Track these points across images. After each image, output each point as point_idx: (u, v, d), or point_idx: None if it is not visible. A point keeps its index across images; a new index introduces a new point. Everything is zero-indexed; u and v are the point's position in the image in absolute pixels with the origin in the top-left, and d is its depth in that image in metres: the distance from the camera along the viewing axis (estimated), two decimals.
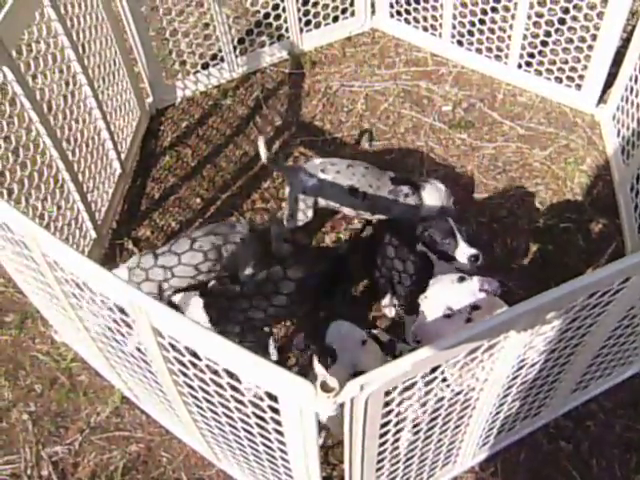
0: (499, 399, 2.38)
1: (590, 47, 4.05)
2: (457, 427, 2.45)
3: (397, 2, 4.72)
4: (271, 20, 4.61)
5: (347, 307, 3.35)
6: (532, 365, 2.26)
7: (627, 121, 3.84)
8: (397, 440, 2.17)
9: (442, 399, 2.10)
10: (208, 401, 2.16)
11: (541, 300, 1.85)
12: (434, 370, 1.89)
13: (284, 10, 4.55)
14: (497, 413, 2.51)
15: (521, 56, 4.35)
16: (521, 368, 2.23)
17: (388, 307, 3.39)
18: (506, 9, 4.25)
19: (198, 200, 3.97)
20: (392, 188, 3.44)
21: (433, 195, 3.45)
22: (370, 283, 3.52)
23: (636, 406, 3.09)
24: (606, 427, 3.04)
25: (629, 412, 3.07)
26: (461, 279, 2.63)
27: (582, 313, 2.08)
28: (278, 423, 1.93)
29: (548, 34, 4.24)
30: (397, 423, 2.02)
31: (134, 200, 3.99)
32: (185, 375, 2.08)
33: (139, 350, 2.19)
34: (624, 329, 2.48)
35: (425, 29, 4.69)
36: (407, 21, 4.75)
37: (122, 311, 1.99)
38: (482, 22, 4.40)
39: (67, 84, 3.40)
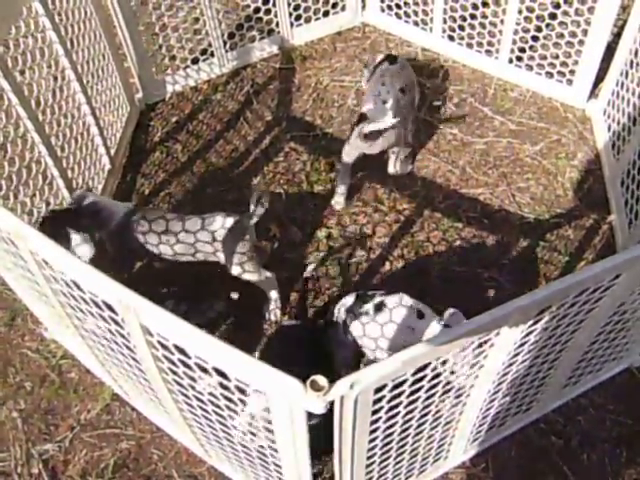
0: (490, 395, 2.38)
1: (581, 42, 4.05)
2: (448, 423, 2.46)
3: None
4: (261, 15, 4.59)
5: None
6: (522, 361, 2.26)
7: (618, 116, 3.84)
8: (387, 437, 2.17)
9: (433, 395, 2.10)
10: (198, 399, 2.15)
11: (532, 297, 1.85)
12: (424, 367, 1.89)
13: (274, 4, 4.53)
14: (488, 409, 2.51)
15: (512, 51, 4.34)
16: (512, 364, 2.23)
17: None
18: (497, 3, 4.25)
19: (188, 196, 3.95)
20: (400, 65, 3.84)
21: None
22: None
23: (626, 401, 3.10)
24: (596, 422, 3.05)
25: (619, 407, 3.08)
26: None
27: (572, 309, 2.09)
28: (267, 421, 1.92)
29: (539, 29, 4.23)
30: (387, 420, 2.02)
31: (124, 196, 3.97)
32: (175, 373, 2.07)
33: (129, 349, 2.18)
34: (614, 325, 2.49)
35: (416, 24, 4.68)
36: (398, 16, 4.74)
37: (110, 309, 1.97)
38: (473, 17, 4.39)
39: (55, 79, 3.37)
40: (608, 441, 3.00)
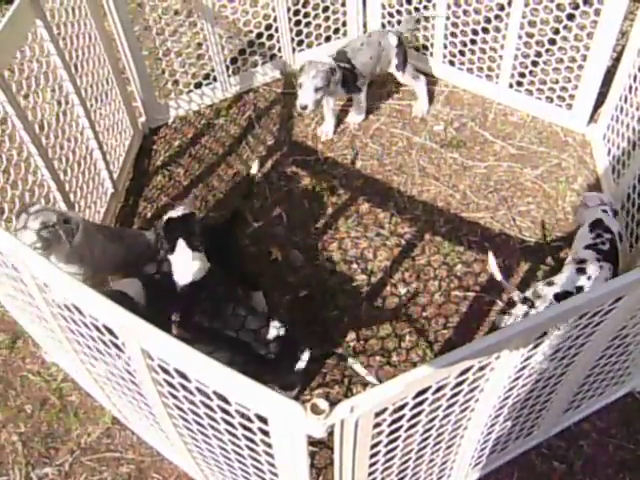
0: (491, 419, 2.37)
1: (580, 67, 4.09)
2: (449, 447, 2.44)
3: (389, 22, 4.76)
4: (264, 40, 4.64)
5: None
6: (523, 385, 2.26)
7: (617, 140, 3.86)
8: (388, 461, 2.16)
9: (434, 418, 2.09)
10: (198, 423, 2.14)
11: (533, 321, 1.85)
12: (425, 391, 1.89)
13: (277, 30, 4.58)
14: (489, 433, 2.50)
15: (512, 76, 4.38)
16: (512, 388, 2.23)
17: None
18: (497, 29, 4.29)
19: None
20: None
21: None
22: None
23: (629, 425, 3.08)
24: (599, 447, 3.03)
25: (622, 431, 3.07)
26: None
27: (573, 333, 2.09)
28: (268, 445, 1.91)
29: (539, 54, 4.27)
30: (388, 444, 2.01)
31: (126, 220, 3.98)
32: (175, 397, 2.07)
33: (128, 372, 2.18)
34: (615, 349, 2.48)
35: (416, 49, 4.72)
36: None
37: (111, 332, 1.98)
38: (473, 42, 4.44)
39: (59, 104, 3.40)
40: (611, 466, 2.98)
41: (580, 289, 3.08)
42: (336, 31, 4.83)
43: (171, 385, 1.99)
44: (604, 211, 3.44)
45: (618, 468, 2.97)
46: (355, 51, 4.21)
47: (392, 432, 1.96)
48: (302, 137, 4.42)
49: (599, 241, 3.33)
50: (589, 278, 3.12)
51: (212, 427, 2.08)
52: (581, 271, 3.17)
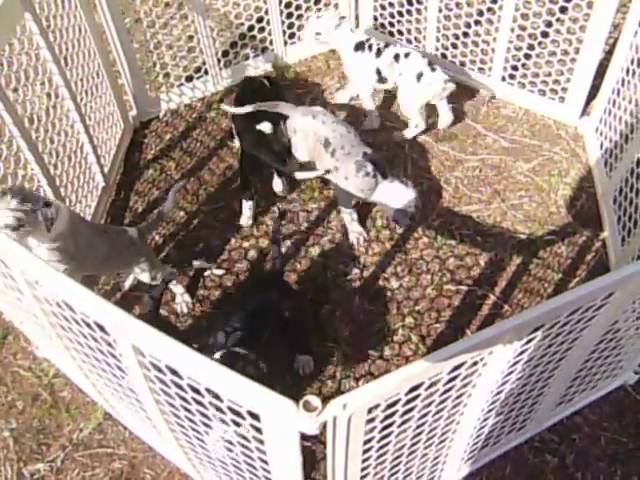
0: (483, 413, 2.37)
1: (573, 60, 4.08)
2: (442, 442, 2.44)
3: (381, 15, 4.74)
4: (255, 32, 4.62)
5: None
6: (516, 379, 2.26)
7: (610, 134, 3.86)
8: (381, 456, 2.16)
9: (427, 414, 2.09)
10: (190, 420, 2.13)
11: (526, 316, 1.84)
12: (418, 387, 1.88)
13: (268, 23, 4.56)
14: (482, 427, 2.50)
15: (505, 69, 4.37)
16: (505, 383, 2.23)
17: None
18: (490, 22, 4.27)
19: (182, 214, 3.95)
20: (359, 160, 3.52)
21: (392, 193, 3.52)
22: None
23: (621, 419, 3.09)
24: (591, 440, 3.04)
25: (614, 425, 3.08)
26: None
27: (565, 328, 2.08)
28: (260, 442, 1.91)
29: (531, 47, 4.26)
30: (380, 440, 2.01)
31: (117, 214, 3.97)
32: (167, 394, 2.06)
33: (121, 370, 2.17)
34: (608, 343, 2.48)
35: (409, 41, 4.70)
36: (391, 33, 4.76)
37: (102, 329, 1.96)
38: (466, 35, 4.42)
39: (49, 97, 3.38)
40: (603, 459, 2.99)
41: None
42: None
43: (163, 382, 1.98)
44: (351, 31, 4.23)
45: (610, 461, 2.98)
46: None
47: (385, 428, 1.95)
48: None
49: (375, 47, 4.11)
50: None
51: (204, 423, 2.07)
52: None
